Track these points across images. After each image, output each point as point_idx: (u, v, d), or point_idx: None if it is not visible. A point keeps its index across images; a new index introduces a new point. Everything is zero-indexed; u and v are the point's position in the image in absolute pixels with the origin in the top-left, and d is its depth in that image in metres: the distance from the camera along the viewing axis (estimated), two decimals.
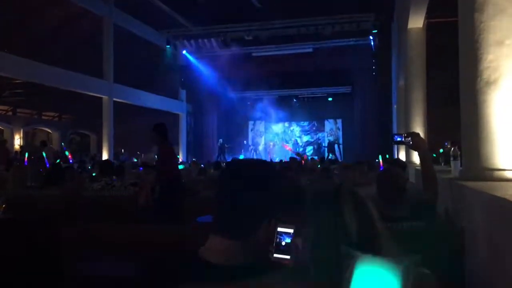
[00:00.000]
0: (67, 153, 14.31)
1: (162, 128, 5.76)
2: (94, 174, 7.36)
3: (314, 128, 25.08)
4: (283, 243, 1.30)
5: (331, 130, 24.61)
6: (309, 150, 24.17)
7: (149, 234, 2.47)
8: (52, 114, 27.19)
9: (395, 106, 14.14)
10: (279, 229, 1.30)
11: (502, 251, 1.63)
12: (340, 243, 1.14)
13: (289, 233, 1.27)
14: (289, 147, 23.87)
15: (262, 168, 1.35)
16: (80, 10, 16.66)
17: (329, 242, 1.15)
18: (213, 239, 1.30)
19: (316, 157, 17.21)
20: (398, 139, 2.77)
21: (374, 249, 1.15)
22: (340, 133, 24.31)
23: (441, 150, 10.09)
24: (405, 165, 4.59)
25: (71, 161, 12.67)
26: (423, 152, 2.71)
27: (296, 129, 25.34)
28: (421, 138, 2.80)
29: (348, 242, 1.13)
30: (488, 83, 2.56)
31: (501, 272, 1.66)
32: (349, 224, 1.15)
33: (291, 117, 24.44)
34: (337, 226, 1.16)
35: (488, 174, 2.51)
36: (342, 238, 1.15)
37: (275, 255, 1.28)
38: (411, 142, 2.73)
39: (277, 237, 1.32)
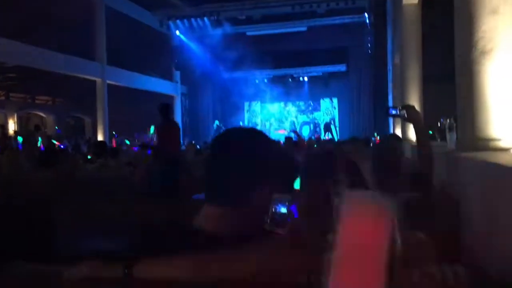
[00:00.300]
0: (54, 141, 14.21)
1: (162, 108, 6.03)
2: (89, 157, 7.33)
3: (310, 108, 25.00)
4: (279, 213, 1.29)
5: (327, 109, 24.55)
6: (305, 130, 24.16)
7: (143, 210, 2.47)
8: (45, 98, 26.98)
9: (390, 84, 14.10)
10: (275, 197, 1.29)
11: (496, 219, 1.63)
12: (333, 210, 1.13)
13: (285, 202, 1.26)
14: (284, 130, 23.84)
15: (255, 136, 1.34)
16: None
17: (323, 207, 1.14)
18: (207, 207, 1.29)
19: (313, 137, 17.23)
20: (394, 112, 2.76)
21: None
22: (336, 112, 24.25)
23: (430, 132, 10.12)
24: (400, 139, 4.58)
25: (64, 145, 12.62)
26: (418, 124, 2.70)
27: (292, 109, 25.26)
28: (416, 110, 2.78)
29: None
30: (483, 53, 2.53)
31: (495, 239, 1.67)
32: (343, 189, 1.14)
33: (287, 97, 24.33)
34: (330, 193, 1.14)
35: (483, 144, 2.50)
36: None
37: (270, 225, 1.28)
38: (406, 115, 2.71)
39: (272, 207, 1.31)
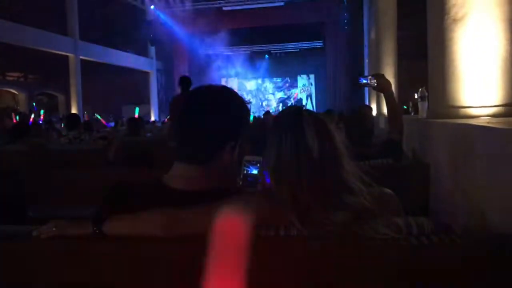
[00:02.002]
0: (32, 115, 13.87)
1: (181, 80, 6.14)
2: (63, 134, 7.21)
3: (287, 85, 25.01)
4: (250, 175, 1.30)
5: (304, 85, 24.61)
6: (282, 107, 24.20)
7: (116, 177, 2.44)
8: (17, 74, 26.20)
9: (366, 60, 14.16)
10: (246, 158, 1.28)
11: (463, 177, 1.67)
12: (302, 162, 1.13)
13: (256, 164, 1.26)
14: None
15: (224, 93, 1.32)
16: None
17: (291, 164, 1.14)
18: (177, 165, 1.29)
19: None
20: (364, 81, 2.76)
21: (335, 167, 1.15)
22: (313, 88, 24.32)
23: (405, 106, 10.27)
24: (371, 108, 4.63)
25: (40, 121, 12.34)
26: (387, 92, 2.73)
27: (269, 85, 25.22)
28: (386, 79, 2.80)
29: (310, 161, 1.13)
30: (455, 20, 2.55)
31: (462, 200, 1.71)
32: (311, 146, 1.14)
33: (264, 74, 24.27)
34: (299, 149, 1.15)
35: (454, 111, 2.54)
36: (304, 160, 1.14)
37: (242, 186, 1.28)
38: (376, 84, 2.73)
39: (244, 168, 1.31)
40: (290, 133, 1.16)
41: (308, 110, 1.26)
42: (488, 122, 1.50)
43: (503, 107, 2.47)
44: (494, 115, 2.45)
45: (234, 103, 1.32)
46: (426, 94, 3.17)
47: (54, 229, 1.17)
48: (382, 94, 2.77)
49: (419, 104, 3.27)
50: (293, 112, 1.23)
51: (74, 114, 6.16)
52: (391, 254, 0.98)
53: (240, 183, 1.31)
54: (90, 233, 1.13)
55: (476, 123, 1.47)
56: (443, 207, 1.90)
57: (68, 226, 1.18)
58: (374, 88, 2.80)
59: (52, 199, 2.49)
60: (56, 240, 1.13)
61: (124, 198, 1.28)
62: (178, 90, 19.00)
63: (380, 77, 2.77)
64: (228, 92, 1.34)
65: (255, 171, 1.30)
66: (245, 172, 1.32)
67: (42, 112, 13.58)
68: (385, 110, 7.07)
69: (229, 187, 1.27)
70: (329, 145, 1.17)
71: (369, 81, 2.75)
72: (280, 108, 23.51)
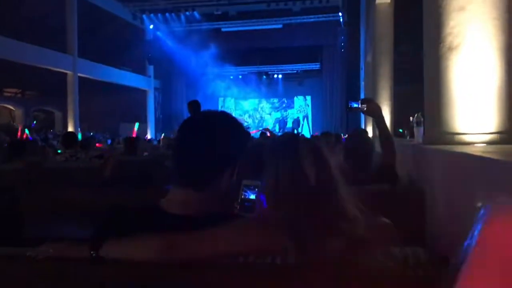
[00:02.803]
0: (27, 131, 13.83)
1: (191, 104, 6.36)
2: (59, 151, 7.18)
3: (284, 105, 25.13)
4: (248, 199, 1.30)
5: (301, 106, 24.73)
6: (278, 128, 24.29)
7: (112, 197, 2.44)
8: (14, 90, 26.23)
9: (363, 82, 14.29)
10: (245, 182, 1.29)
11: (458, 206, 1.68)
12: (300, 193, 1.14)
13: (254, 188, 1.27)
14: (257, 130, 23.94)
15: (222, 118, 1.33)
16: None
17: (289, 191, 1.15)
18: (174, 190, 1.29)
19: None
20: (354, 105, 2.81)
21: (331, 195, 1.16)
22: (310, 109, 24.45)
23: (400, 130, 10.32)
24: (367, 132, 4.67)
25: (31, 138, 12.31)
26: (378, 117, 2.77)
27: (266, 106, 25.32)
28: (375, 103, 2.85)
29: (307, 192, 1.14)
30: (450, 49, 2.60)
31: (458, 228, 1.72)
32: (308, 173, 1.15)
33: (261, 94, 24.40)
34: (296, 177, 1.16)
35: (449, 138, 2.57)
36: (301, 188, 1.15)
37: (239, 211, 1.28)
38: (365, 108, 2.78)
39: (242, 193, 1.32)
40: (286, 161, 1.17)
41: (303, 137, 1.27)
42: (483, 152, 1.52)
43: (498, 135, 2.50)
44: (489, 142, 2.48)
45: (233, 128, 1.32)
46: (422, 119, 3.20)
47: (50, 251, 1.16)
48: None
49: (415, 130, 3.30)
50: (289, 140, 1.24)
51: (71, 132, 6.17)
52: (387, 285, 0.98)
53: (238, 207, 1.32)
54: (87, 257, 1.13)
55: (472, 152, 1.49)
56: (440, 234, 1.91)
57: (65, 248, 1.18)
58: (364, 112, 2.85)
59: (48, 218, 2.48)
60: (52, 262, 1.13)
61: (122, 221, 1.28)
62: (176, 109, 18.94)
63: (369, 101, 2.82)
64: (227, 118, 1.35)
65: (252, 196, 1.31)
66: (242, 196, 1.33)
67: (35, 121, 13.52)
68: None
69: (226, 212, 1.27)
70: (325, 172, 1.18)
71: (359, 106, 2.79)
72: (277, 129, 23.60)
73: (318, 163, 1.18)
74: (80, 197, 2.61)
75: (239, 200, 1.32)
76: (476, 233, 0.62)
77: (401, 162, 3.30)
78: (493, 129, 2.51)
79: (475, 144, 2.48)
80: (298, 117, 24.00)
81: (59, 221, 2.40)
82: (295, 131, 21.21)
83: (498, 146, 2.27)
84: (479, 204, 0.63)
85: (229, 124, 1.33)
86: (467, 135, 2.54)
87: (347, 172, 2.68)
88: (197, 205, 1.26)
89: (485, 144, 2.45)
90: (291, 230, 1.12)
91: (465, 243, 0.63)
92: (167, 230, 1.14)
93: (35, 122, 21.49)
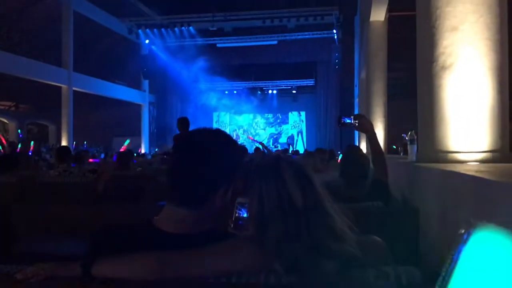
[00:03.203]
0: (19, 145, 13.80)
1: (180, 121, 6.61)
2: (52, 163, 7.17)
3: (278, 121, 25.22)
4: (242, 218, 1.30)
5: (295, 122, 24.83)
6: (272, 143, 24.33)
7: (105, 213, 2.43)
8: (8, 103, 26.15)
9: (357, 99, 14.37)
10: (239, 200, 1.29)
11: (451, 225, 1.68)
12: (287, 215, 1.14)
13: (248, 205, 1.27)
14: (253, 138, 23.97)
15: (217, 137, 1.33)
16: None
17: (275, 213, 1.15)
18: (167, 208, 1.28)
19: (279, 148, 17.37)
20: (347, 120, 2.82)
21: (319, 215, 1.16)
22: (304, 125, 24.54)
23: (394, 146, 10.35)
24: (361, 149, 4.70)
25: (30, 152, 12.27)
26: (370, 133, 2.79)
27: (260, 121, 25.40)
28: (367, 119, 2.87)
29: (294, 213, 1.14)
30: (444, 68, 2.62)
31: (451, 247, 1.72)
32: (294, 195, 1.15)
33: (256, 109, 24.49)
34: (282, 199, 1.15)
35: (442, 156, 2.58)
36: (288, 210, 1.15)
37: (233, 229, 1.28)
38: (357, 124, 2.80)
39: (235, 211, 1.31)
40: (271, 184, 1.17)
41: (286, 158, 1.27)
42: (476, 171, 1.53)
43: (491, 153, 2.52)
44: (482, 161, 2.49)
45: (227, 146, 1.32)
46: (415, 137, 3.22)
47: (41, 272, 1.15)
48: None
49: (408, 147, 3.31)
50: (271, 162, 1.24)
51: (64, 146, 6.14)
52: None
53: (231, 225, 1.31)
54: (78, 276, 1.12)
55: (465, 172, 1.50)
56: (433, 254, 1.91)
57: (56, 268, 1.17)
58: (356, 128, 2.87)
59: (40, 234, 2.45)
60: (42, 282, 1.11)
61: (114, 240, 1.27)
62: (170, 123, 18.95)
63: (361, 117, 2.84)
64: (222, 136, 1.35)
65: (246, 214, 1.31)
66: (236, 215, 1.32)
67: (32, 143, 13.49)
68: None
69: (220, 230, 1.26)
70: (311, 192, 1.18)
71: (352, 121, 2.81)
72: (271, 144, 23.64)
73: (303, 184, 1.18)
74: (72, 213, 2.59)
75: (233, 218, 1.31)
76: (457, 256, 0.62)
77: (395, 180, 3.31)
78: (486, 148, 2.53)
79: (468, 163, 2.49)
80: (292, 134, 24.10)
81: (51, 237, 2.38)
82: (290, 147, 21.31)
83: (491, 164, 2.28)
84: (463, 230, 0.64)
85: (223, 142, 1.32)
86: (460, 154, 2.56)
87: (342, 189, 2.70)
88: (191, 223, 1.25)
89: (478, 163, 2.46)
90: (280, 252, 1.11)
91: (449, 265, 0.63)
92: (160, 249, 1.14)
93: (19, 131, 21.39)
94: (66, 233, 2.33)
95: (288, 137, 24.01)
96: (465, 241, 0.63)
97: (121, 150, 8.58)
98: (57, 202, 3.83)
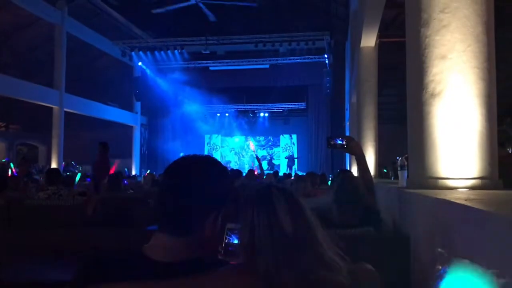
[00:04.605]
0: (12, 164, 13.69)
1: (102, 145, 7.66)
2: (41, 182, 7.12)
3: (270, 143, 25.29)
4: (232, 244, 1.29)
5: (286, 145, 24.91)
6: (264, 165, 24.31)
7: (92, 238, 2.40)
8: None
9: (348, 123, 14.48)
10: (229, 226, 1.28)
11: (442, 254, 1.69)
12: (277, 243, 1.14)
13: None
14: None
15: (206, 164, 1.33)
16: (31, 17, 16.14)
17: (265, 241, 1.15)
18: (157, 236, 1.27)
19: (271, 171, 17.35)
20: (339, 142, 2.85)
21: (309, 243, 1.16)
22: (295, 148, 24.63)
23: (385, 170, 10.42)
24: (351, 172, 4.73)
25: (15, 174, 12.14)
26: (359, 155, 2.81)
27: (252, 143, 25.46)
28: (356, 142, 2.90)
29: (285, 242, 1.14)
30: (433, 95, 2.66)
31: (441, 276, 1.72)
32: (284, 223, 1.15)
33: (248, 132, 24.59)
34: (273, 227, 1.16)
35: (432, 182, 2.60)
36: (278, 238, 1.15)
37: (224, 256, 1.27)
38: (345, 146, 2.82)
39: (226, 237, 1.31)
40: (261, 211, 1.17)
41: (277, 186, 1.28)
42: (466, 199, 1.54)
43: (480, 180, 2.54)
44: (472, 187, 2.51)
45: (217, 174, 1.32)
46: (406, 163, 3.24)
47: None
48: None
49: (399, 173, 3.33)
50: (263, 190, 1.24)
51: (54, 169, 6.10)
52: None
53: (222, 251, 1.31)
54: None
55: (454, 200, 1.51)
56: (425, 280, 1.90)
57: None
58: (344, 150, 2.89)
59: (28, 260, 2.41)
60: None
61: (102, 266, 1.25)
62: (161, 145, 18.94)
63: (350, 140, 2.87)
64: (211, 162, 1.34)
65: (236, 241, 1.30)
66: (226, 241, 1.31)
67: (12, 165, 13.37)
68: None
69: (211, 257, 1.26)
70: (302, 221, 1.18)
71: (342, 142, 2.84)
72: (264, 166, 23.62)
73: (294, 212, 1.18)
74: (59, 237, 2.55)
75: (223, 244, 1.31)
76: None
77: (386, 205, 3.32)
78: (476, 175, 2.55)
79: (458, 189, 2.51)
80: (292, 154, 24.07)
81: (37, 263, 2.34)
82: (288, 169, 21.32)
83: (481, 192, 2.30)
84: (439, 266, 0.66)
85: (213, 169, 1.32)
86: (450, 180, 2.57)
87: (334, 214, 2.69)
88: (181, 251, 1.24)
89: (468, 189, 2.48)
90: (271, 280, 1.11)
91: None
92: (149, 278, 1.13)
93: (8, 156, 21.24)
94: (52, 258, 2.29)
95: (289, 157, 23.93)
96: (441, 277, 0.65)
97: (110, 172, 8.61)
98: (46, 225, 3.79)
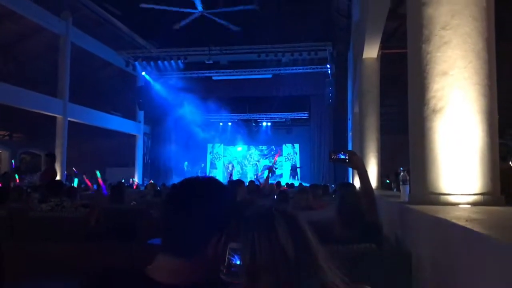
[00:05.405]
0: (16, 176, 13.77)
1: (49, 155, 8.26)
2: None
3: (272, 153, 25.29)
4: (235, 265, 1.30)
5: (289, 154, 24.91)
6: (266, 173, 24.26)
7: (95, 253, 2.41)
8: (2, 132, 26.13)
9: (350, 133, 14.49)
10: (231, 246, 1.29)
11: (444, 273, 1.69)
12: (279, 266, 1.15)
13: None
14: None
15: (209, 186, 1.35)
16: (36, 27, 16.25)
17: (267, 265, 1.15)
18: (161, 257, 1.28)
19: (273, 182, 17.33)
20: (342, 156, 2.85)
21: (311, 267, 1.16)
22: (298, 157, 24.62)
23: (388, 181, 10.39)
24: (354, 186, 4.73)
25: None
26: (361, 170, 2.82)
27: (254, 153, 25.47)
28: (358, 156, 2.91)
29: (286, 265, 1.14)
30: (434, 111, 2.67)
31: None
32: (286, 247, 1.16)
33: (250, 141, 24.62)
34: (274, 250, 1.16)
35: (434, 198, 2.60)
36: (280, 262, 1.15)
37: (226, 276, 1.28)
38: (347, 160, 2.83)
39: (228, 257, 1.31)
40: (263, 235, 1.18)
41: (278, 209, 1.28)
42: (467, 219, 1.55)
43: (482, 196, 2.54)
44: (473, 203, 2.51)
45: (220, 196, 1.33)
46: (408, 178, 3.24)
47: None
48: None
49: (401, 188, 3.34)
50: (265, 212, 1.25)
51: (57, 180, 6.12)
52: None
53: (224, 271, 1.31)
54: None
55: (456, 222, 1.51)
56: None
57: None
58: (347, 165, 2.90)
59: (31, 274, 2.42)
60: None
61: (106, 287, 1.26)
62: (164, 154, 18.94)
63: (352, 154, 2.88)
64: (214, 184, 1.36)
65: (239, 261, 1.31)
66: (229, 261, 1.32)
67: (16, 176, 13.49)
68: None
69: (214, 279, 1.26)
70: (304, 244, 1.19)
71: (345, 156, 2.85)
72: (265, 176, 23.54)
73: (296, 235, 1.19)
74: (63, 251, 2.56)
75: (226, 265, 1.31)
76: None
77: (389, 220, 3.32)
78: (477, 190, 2.55)
79: (460, 205, 2.51)
80: (295, 163, 24.08)
81: (42, 278, 2.35)
82: (291, 178, 21.30)
83: (483, 209, 2.30)
84: None
85: (215, 191, 1.34)
86: (451, 196, 2.57)
87: (337, 229, 2.69)
88: (184, 273, 1.25)
89: (469, 206, 2.48)
90: None
91: None
92: None
93: (13, 161, 21.28)
94: (57, 274, 2.30)
95: (292, 166, 23.92)
96: None
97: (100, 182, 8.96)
98: (48, 237, 3.80)
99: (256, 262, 1.16)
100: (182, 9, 14.96)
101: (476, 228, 1.31)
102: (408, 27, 3.07)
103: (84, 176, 13.77)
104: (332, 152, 2.95)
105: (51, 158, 8.19)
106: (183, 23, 15.29)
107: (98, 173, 9.93)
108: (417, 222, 2.33)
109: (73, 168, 17.92)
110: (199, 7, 14.99)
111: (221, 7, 15.18)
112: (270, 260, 1.15)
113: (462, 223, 1.45)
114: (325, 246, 1.23)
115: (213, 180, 1.38)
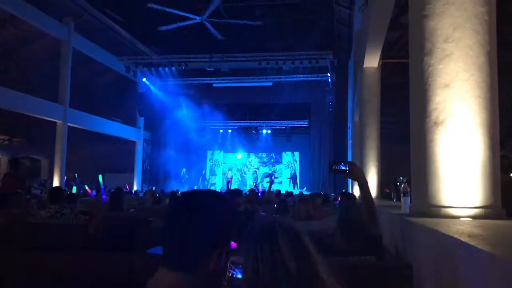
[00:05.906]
0: None
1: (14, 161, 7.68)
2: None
3: (272, 160, 25.29)
4: (236, 279, 1.29)
5: (289, 162, 24.91)
6: (266, 181, 24.27)
7: (96, 262, 2.40)
8: (2, 137, 26.13)
9: (350, 141, 14.49)
10: (232, 259, 1.28)
11: (446, 285, 1.68)
12: (281, 281, 1.14)
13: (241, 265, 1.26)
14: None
15: (210, 199, 1.34)
16: (37, 32, 16.29)
17: (269, 281, 1.15)
18: (162, 271, 1.28)
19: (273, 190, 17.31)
20: (343, 167, 2.84)
21: (313, 283, 1.16)
22: (297, 165, 24.62)
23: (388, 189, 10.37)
24: (355, 197, 4.72)
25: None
26: (362, 181, 2.81)
27: (254, 160, 25.46)
28: (359, 167, 2.90)
29: (288, 279, 1.14)
30: (436, 124, 2.68)
31: None
32: (289, 263, 1.16)
33: (250, 148, 24.63)
34: (277, 267, 1.16)
35: (435, 211, 2.59)
36: (283, 279, 1.15)
37: None
38: (347, 171, 2.82)
39: (229, 271, 1.31)
40: (266, 249, 1.18)
41: (281, 224, 1.28)
42: (469, 236, 1.54)
43: (483, 209, 2.53)
44: (474, 217, 2.51)
45: (221, 210, 1.32)
46: (408, 189, 3.24)
47: None
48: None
49: (402, 199, 3.33)
50: (267, 227, 1.24)
51: (57, 187, 6.11)
52: None
53: (225, 284, 1.31)
54: None
55: (458, 236, 1.51)
56: None
57: None
58: (347, 176, 2.89)
59: (27, 281, 2.41)
60: None
61: None
62: (164, 161, 18.86)
63: (352, 165, 2.87)
64: (215, 198, 1.35)
65: (240, 275, 1.30)
66: (230, 275, 1.32)
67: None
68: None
69: None
70: (305, 259, 1.18)
71: (347, 168, 2.84)
72: (264, 183, 23.56)
73: (297, 250, 1.19)
74: (62, 260, 2.55)
75: (226, 278, 1.31)
76: None
77: (390, 232, 3.31)
78: (478, 204, 2.54)
79: (461, 219, 2.50)
80: (294, 171, 24.13)
81: (40, 286, 2.34)
82: (291, 184, 21.30)
83: (484, 222, 2.30)
84: None
85: (216, 205, 1.33)
86: (453, 209, 2.57)
87: (337, 240, 2.68)
88: (185, 286, 1.24)
89: (471, 219, 2.48)
90: None
91: None
92: None
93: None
94: (53, 282, 2.29)
95: (291, 175, 23.97)
96: None
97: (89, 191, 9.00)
98: (48, 245, 3.78)
99: (258, 276, 1.16)
100: (186, 14, 14.92)
101: (479, 245, 1.30)
102: (410, 39, 3.07)
103: (86, 187, 13.74)
104: (332, 163, 2.94)
105: (16, 163, 7.56)
106: (171, 26, 15.25)
107: (100, 178, 9.88)
108: (418, 235, 2.32)
109: (75, 174, 17.92)
110: (205, 15, 14.94)
111: (224, 18, 15.20)
112: (272, 274, 1.15)
113: (464, 239, 1.45)
114: (326, 258, 1.23)
115: (213, 194, 1.38)
